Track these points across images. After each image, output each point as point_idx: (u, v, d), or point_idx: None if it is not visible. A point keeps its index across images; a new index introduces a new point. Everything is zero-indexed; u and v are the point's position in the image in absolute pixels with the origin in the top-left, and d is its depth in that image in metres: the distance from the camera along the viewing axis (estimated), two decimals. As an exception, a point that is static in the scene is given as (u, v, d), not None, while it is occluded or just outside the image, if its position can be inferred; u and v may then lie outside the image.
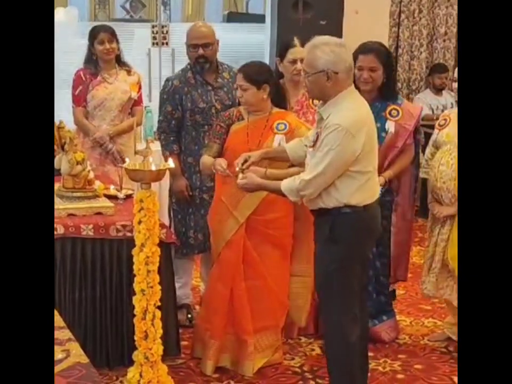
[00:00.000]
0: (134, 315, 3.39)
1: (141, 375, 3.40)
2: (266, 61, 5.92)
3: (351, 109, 3.16)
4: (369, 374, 3.74)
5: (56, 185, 3.73)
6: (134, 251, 3.35)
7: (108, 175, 4.70)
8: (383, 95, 4.06)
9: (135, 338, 3.41)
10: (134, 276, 3.37)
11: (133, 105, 4.99)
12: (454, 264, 3.93)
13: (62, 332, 2.55)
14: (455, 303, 3.92)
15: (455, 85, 4.36)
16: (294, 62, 4.19)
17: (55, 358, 2.31)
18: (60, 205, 3.71)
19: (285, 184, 3.27)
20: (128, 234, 3.62)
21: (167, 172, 3.59)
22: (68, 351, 2.44)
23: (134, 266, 3.36)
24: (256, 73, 3.76)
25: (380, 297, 4.26)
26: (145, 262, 3.32)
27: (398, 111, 4.05)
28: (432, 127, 4.37)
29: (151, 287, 3.35)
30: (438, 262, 4.08)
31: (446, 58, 7.32)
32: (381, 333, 4.27)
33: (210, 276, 4.03)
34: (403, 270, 4.31)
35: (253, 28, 7.84)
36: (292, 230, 3.91)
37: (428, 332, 4.46)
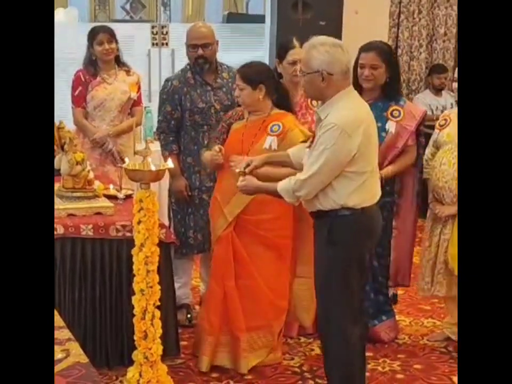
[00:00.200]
0: (134, 315, 3.40)
1: (140, 375, 3.41)
2: (266, 62, 5.92)
3: (348, 109, 3.16)
4: (368, 374, 3.76)
5: (56, 185, 3.73)
6: (134, 251, 3.36)
7: (108, 175, 4.70)
8: (386, 95, 4.06)
9: (135, 338, 3.42)
10: (134, 275, 3.38)
11: (133, 105, 4.99)
12: (453, 263, 3.93)
13: (61, 332, 2.56)
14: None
15: (455, 84, 4.36)
16: (293, 63, 4.19)
17: (55, 358, 2.31)
18: (59, 205, 3.71)
19: (280, 185, 3.26)
20: (128, 234, 3.62)
21: (167, 172, 3.60)
22: (68, 351, 2.45)
23: (134, 266, 3.36)
24: (252, 74, 3.78)
25: (378, 297, 4.26)
26: (144, 262, 3.33)
27: (399, 112, 4.05)
28: (432, 127, 4.37)
29: (151, 287, 3.35)
30: (442, 262, 4.08)
31: (445, 59, 7.33)
32: (380, 333, 4.27)
33: (209, 274, 4.09)
34: (405, 275, 4.30)
35: (253, 28, 7.85)
36: (288, 232, 3.89)
37: (427, 332, 4.46)
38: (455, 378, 3.85)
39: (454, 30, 7.27)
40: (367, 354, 3.92)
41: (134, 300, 3.38)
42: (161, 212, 4.31)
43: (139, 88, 5.06)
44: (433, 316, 4.71)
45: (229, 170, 3.78)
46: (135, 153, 3.44)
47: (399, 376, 3.91)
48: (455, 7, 7.21)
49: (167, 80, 4.48)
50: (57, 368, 2.28)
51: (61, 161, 3.85)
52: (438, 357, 4.14)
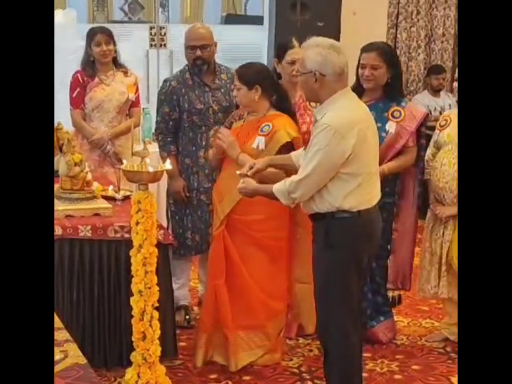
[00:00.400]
0: (132, 316, 3.40)
1: (139, 376, 3.42)
2: (264, 63, 5.93)
3: (342, 110, 3.16)
4: (366, 375, 3.77)
5: (54, 187, 3.73)
6: (132, 252, 3.36)
7: (107, 176, 4.69)
8: (387, 95, 4.06)
9: (133, 339, 3.42)
10: (132, 277, 3.38)
11: (131, 106, 4.99)
12: (456, 263, 3.93)
13: (60, 333, 2.55)
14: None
15: (456, 84, 4.36)
16: (292, 63, 4.20)
17: (53, 359, 2.31)
18: (58, 206, 3.71)
19: (276, 187, 3.26)
20: (126, 235, 3.62)
21: (165, 173, 3.61)
22: (66, 352, 2.44)
23: (132, 267, 3.37)
24: (249, 74, 3.82)
25: (376, 298, 4.26)
26: (143, 263, 3.34)
27: (400, 112, 4.05)
28: (432, 128, 4.37)
29: (149, 288, 3.36)
30: (445, 264, 4.08)
31: (443, 60, 7.34)
32: (378, 334, 4.27)
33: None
34: (405, 279, 4.29)
35: (251, 29, 7.85)
36: (281, 234, 3.90)
37: (426, 333, 4.47)
38: (453, 379, 3.86)
39: (452, 31, 7.28)
40: (365, 355, 3.95)
41: (133, 301, 3.38)
42: (160, 213, 4.32)
43: (137, 89, 5.06)
44: (431, 316, 4.71)
45: (226, 169, 3.85)
46: (133, 154, 3.44)
47: (397, 376, 3.92)
48: (453, 8, 7.23)
49: (165, 81, 4.49)
50: (55, 369, 2.27)
51: (59, 163, 3.85)
52: (436, 358, 4.14)
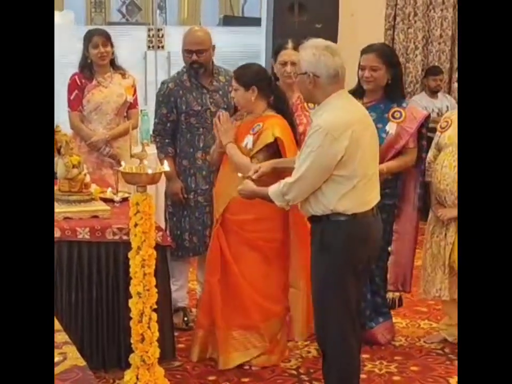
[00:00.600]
0: (131, 318, 3.40)
1: (137, 378, 3.42)
2: (263, 64, 5.93)
3: (336, 111, 3.16)
4: (365, 376, 3.78)
5: (53, 189, 3.74)
6: (130, 254, 3.36)
7: (105, 178, 4.70)
8: (388, 96, 4.07)
9: (132, 341, 3.42)
10: (130, 278, 3.38)
11: (129, 108, 4.99)
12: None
13: (58, 335, 2.56)
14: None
15: (456, 86, 4.36)
16: (284, 64, 4.23)
17: (52, 361, 2.32)
18: (56, 208, 3.70)
19: (271, 189, 3.27)
20: (125, 237, 3.62)
21: (164, 175, 3.61)
22: (65, 354, 2.45)
23: (131, 269, 3.37)
24: (245, 75, 3.84)
25: (375, 299, 4.26)
26: (141, 264, 3.34)
27: (400, 113, 4.05)
28: (432, 130, 4.37)
29: (148, 290, 3.36)
30: (448, 266, 4.09)
31: (441, 61, 7.34)
32: (377, 335, 4.27)
33: None
34: (405, 281, 4.29)
35: (249, 31, 7.86)
36: (275, 235, 3.90)
37: (424, 334, 4.47)
38: (452, 380, 3.86)
39: (450, 33, 7.29)
40: (364, 356, 3.96)
41: (131, 303, 3.38)
42: (158, 215, 4.31)
43: (135, 90, 5.06)
44: (430, 317, 4.72)
45: (223, 169, 3.92)
46: (132, 156, 3.44)
47: (396, 378, 3.92)
48: (451, 9, 7.24)
49: (163, 83, 4.49)
50: (54, 371, 2.28)
51: (58, 165, 3.85)
52: (435, 359, 4.14)
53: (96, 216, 3.77)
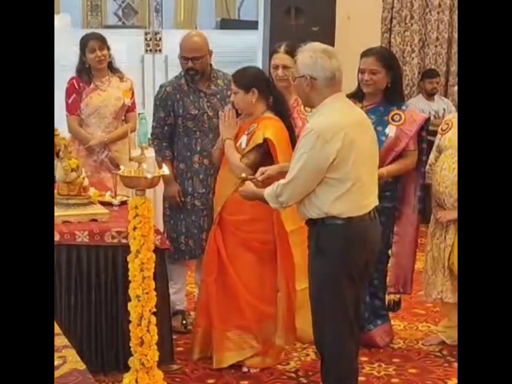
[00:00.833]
0: (129, 321, 3.40)
1: (136, 381, 3.42)
2: (259, 67, 5.94)
3: (330, 114, 3.18)
4: (363, 378, 3.78)
5: (52, 192, 3.74)
6: (129, 257, 3.37)
7: (104, 182, 4.70)
8: (387, 99, 4.08)
9: (131, 344, 3.42)
10: (129, 282, 3.38)
11: (127, 111, 5.00)
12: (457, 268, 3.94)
13: (58, 339, 2.56)
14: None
15: (455, 88, 4.37)
16: (276, 67, 4.25)
17: (51, 365, 2.32)
18: (55, 212, 3.71)
19: (266, 191, 3.29)
20: (123, 240, 3.63)
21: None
22: (65, 358, 2.45)
23: (130, 273, 3.37)
24: (245, 78, 3.86)
25: (374, 301, 4.27)
26: (140, 268, 3.34)
27: (400, 116, 4.06)
28: (431, 133, 4.38)
29: (147, 293, 3.36)
30: (447, 268, 4.10)
31: (437, 64, 7.36)
32: (375, 338, 4.28)
33: None
34: (406, 283, 4.30)
35: (246, 34, 7.87)
36: (268, 237, 3.90)
37: (422, 336, 4.48)
38: (450, 382, 3.87)
39: (446, 35, 7.31)
40: (362, 358, 3.97)
41: (130, 306, 3.38)
42: (156, 218, 4.32)
43: (133, 94, 5.07)
44: (428, 320, 4.73)
45: (223, 169, 3.96)
46: (131, 159, 3.45)
47: (394, 380, 3.93)
48: (447, 12, 7.26)
49: (161, 86, 4.49)
50: (54, 375, 2.28)
51: (56, 168, 3.85)
52: (433, 361, 4.15)
53: (95, 220, 3.78)
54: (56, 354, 2.43)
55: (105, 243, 3.68)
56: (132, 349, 3.42)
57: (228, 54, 6.96)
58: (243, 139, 3.86)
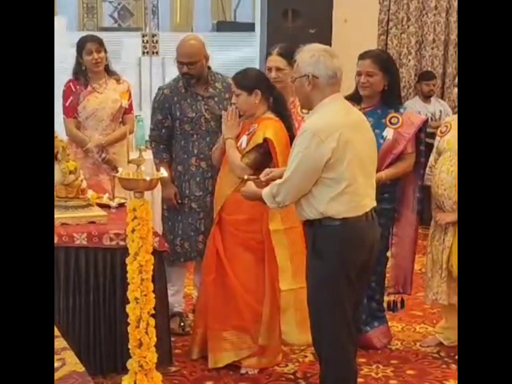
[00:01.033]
0: (128, 323, 3.40)
1: (135, 383, 3.41)
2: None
3: (326, 115, 3.19)
4: (361, 380, 3.79)
5: (49, 195, 3.73)
6: (128, 259, 3.36)
7: (101, 184, 4.70)
8: (385, 102, 4.09)
9: (129, 346, 3.42)
10: (128, 284, 3.38)
11: (124, 113, 5.00)
12: (456, 270, 3.95)
13: (57, 341, 2.55)
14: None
15: (455, 90, 4.38)
16: (269, 70, 4.26)
17: (51, 367, 2.32)
18: (53, 214, 3.72)
19: (264, 191, 3.31)
20: (121, 243, 3.63)
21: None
22: (64, 360, 2.45)
23: (128, 275, 3.37)
24: (246, 79, 3.88)
25: (371, 304, 4.27)
26: (139, 270, 3.33)
27: (398, 119, 4.07)
28: (430, 135, 4.39)
29: (145, 295, 3.36)
30: (445, 270, 4.11)
31: (434, 66, 7.38)
32: (373, 340, 4.28)
33: None
34: (406, 283, 4.32)
35: (243, 37, 7.87)
36: (262, 237, 3.91)
37: (420, 338, 4.49)
38: (448, 384, 3.89)
39: (443, 37, 7.33)
40: (360, 360, 3.98)
41: (129, 308, 3.38)
42: (154, 220, 4.32)
43: (130, 96, 5.05)
44: (426, 321, 4.74)
45: (223, 169, 3.99)
46: (129, 162, 3.45)
47: (392, 381, 3.93)
48: (443, 14, 7.28)
49: (159, 89, 4.50)
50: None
51: (54, 171, 3.84)
52: (431, 362, 4.16)
53: (93, 222, 3.78)
54: (55, 357, 2.42)
55: (104, 245, 3.68)
56: (130, 351, 3.42)
57: (225, 55, 6.98)
58: (243, 139, 3.88)
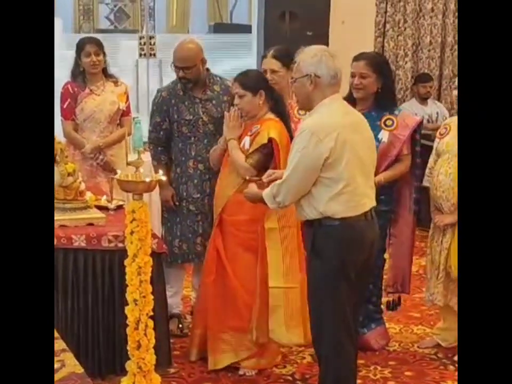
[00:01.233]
0: (126, 325, 3.41)
1: (134, 385, 3.42)
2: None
3: (324, 115, 3.20)
4: (360, 381, 3.78)
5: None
6: (127, 261, 3.37)
7: (99, 186, 4.70)
8: (379, 104, 4.09)
9: (128, 348, 3.42)
10: (126, 286, 3.39)
11: (122, 115, 5.00)
12: (456, 272, 3.95)
13: (56, 343, 2.56)
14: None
15: (455, 92, 4.39)
16: (264, 72, 4.27)
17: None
18: (51, 216, 3.71)
19: (264, 192, 3.33)
20: (120, 244, 3.63)
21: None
22: (63, 362, 2.46)
23: (127, 277, 3.37)
24: (251, 80, 3.89)
25: (368, 306, 4.26)
26: (137, 272, 3.34)
27: (393, 121, 4.07)
28: (425, 136, 4.40)
29: (144, 297, 3.36)
30: (442, 271, 4.12)
31: (430, 68, 7.40)
32: (370, 341, 4.29)
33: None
34: (404, 282, 4.33)
35: (240, 39, 7.89)
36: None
37: (417, 339, 4.49)
38: (445, 385, 3.90)
39: (439, 39, 7.36)
40: (358, 361, 3.93)
41: (128, 310, 3.38)
42: (152, 222, 4.32)
43: (127, 98, 5.06)
44: (423, 323, 4.74)
45: (223, 171, 3.99)
46: (128, 164, 3.45)
47: (390, 383, 3.94)
48: (440, 16, 7.30)
49: (158, 91, 4.51)
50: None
51: (53, 173, 3.85)
52: (428, 364, 4.17)
53: (91, 224, 3.78)
54: (54, 358, 2.43)
55: (102, 247, 3.68)
56: (129, 352, 3.42)
57: (222, 58, 6.98)
58: (246, 140, 3.88)
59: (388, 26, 7.21)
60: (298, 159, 3.16)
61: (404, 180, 4.20)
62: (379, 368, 4.09)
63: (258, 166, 3.78)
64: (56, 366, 2.40)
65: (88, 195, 4.00)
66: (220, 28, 9.37)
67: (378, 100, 4.09)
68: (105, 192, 4.41)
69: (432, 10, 7.30)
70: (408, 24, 7.26)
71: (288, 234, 3.83)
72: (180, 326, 4.47)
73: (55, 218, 3.69)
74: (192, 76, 4.30)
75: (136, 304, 3.36)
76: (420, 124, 4.22)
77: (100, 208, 4.02)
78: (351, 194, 3.20)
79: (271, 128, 3.85)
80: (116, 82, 5.00)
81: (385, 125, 4.07)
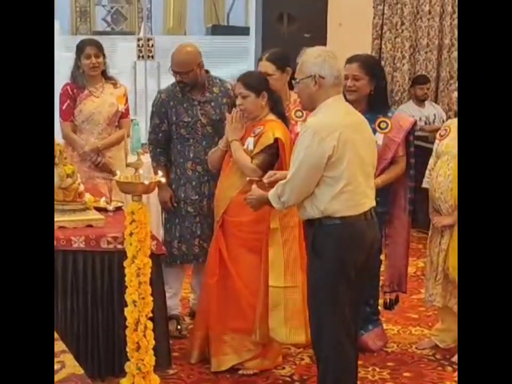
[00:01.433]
0: (126, 326, 3.41)
1: (133, 386, 3.42)
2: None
3: (327, 114, 3.22)
4: (358, 382, 3.77)
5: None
6: (126, 263, 3.37)
7: (98, 188, 4.70)
8: (372, 107, 4.09)
9: (127, 349, 3.43)
10: (125, 287, 3.39)
11: (120, 117, 5.00)
12: (454, 273, 3.97)
13: (56, 344, 2.56)
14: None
15: (455, 94, 4.41)
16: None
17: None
18: (50, 218, 3.72)
19: (270, 192, 3.34)
20: (119, 246, 3.63)
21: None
22: (63, 362, 2.46)
23: (126, 278, 3.38)
24: (254, 81, 3.91)
25: (365, 308, 4.26)
26: (137, 273, 3.35)
27: (387, 123, 4.08)
28: (420, 138, 4.42)
29: (143, 298, 3.37)
30: (441, 272, 4.14)
31: (428, 70, 7.41)
32: (368, 342, 4.29)
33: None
34: (401, 281, 4.35)
35: (237, 41, 7.90)
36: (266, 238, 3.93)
37: (416, 340, 4.50)
38: (444, 386, 3.91)
39: (436, 41, 7.37)
40: (357, 362, 3.98)
41: (127, 311, 3.39)
42: (151, 223, 4.33)
43: (126, 100, 5.07)
44: (421, 324, 4.75)
45: (224, 172, 3.99)
46: (127, 165, 3.46)
47: (389, 384, 3.96)
48: (437, 19, 7.32)
49: (158, 93, 4.53)
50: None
51: (52, 174, 3.86)
52: (427, 365, 4.18)
53: (90, 226, 3.78)
54: (54, 359, 2.43)
55: (101, 248, 3.68)
56: (128, 353, 3.43)
57: (219, 60, 6.99)
58: (250, 141, 3.88)
59: (385, 28, 7.22)
60: (302, 158, 3.18)
61: (399, 180, 4.21)
62: (377, 369, 4.10)
63: (264, 167, 3.79)
64: (56, 367, 2.40)
65: (87, 197, 4.00)
66: (217, 30, 9.39)
67: (372, 102, 4.10)
68: (104, 193, 4.42)
69: (430, 12, 7.32)
70: (406, 26, 7.27)
71: (290, 234, 3.84)
72: (179, 327, 4.47)
73: (54, 219, 3.71)
74: (189, 80, 4.31)
75: (135, 306, 3.37)
76: (414, 125, 4.24)
77: (99, 209, 4.02)
78: (352, 194, 3.22)
79: (275, 128, 3.87)
80: (115, 84, 5.01)
81: (380, 128, 4.07)
